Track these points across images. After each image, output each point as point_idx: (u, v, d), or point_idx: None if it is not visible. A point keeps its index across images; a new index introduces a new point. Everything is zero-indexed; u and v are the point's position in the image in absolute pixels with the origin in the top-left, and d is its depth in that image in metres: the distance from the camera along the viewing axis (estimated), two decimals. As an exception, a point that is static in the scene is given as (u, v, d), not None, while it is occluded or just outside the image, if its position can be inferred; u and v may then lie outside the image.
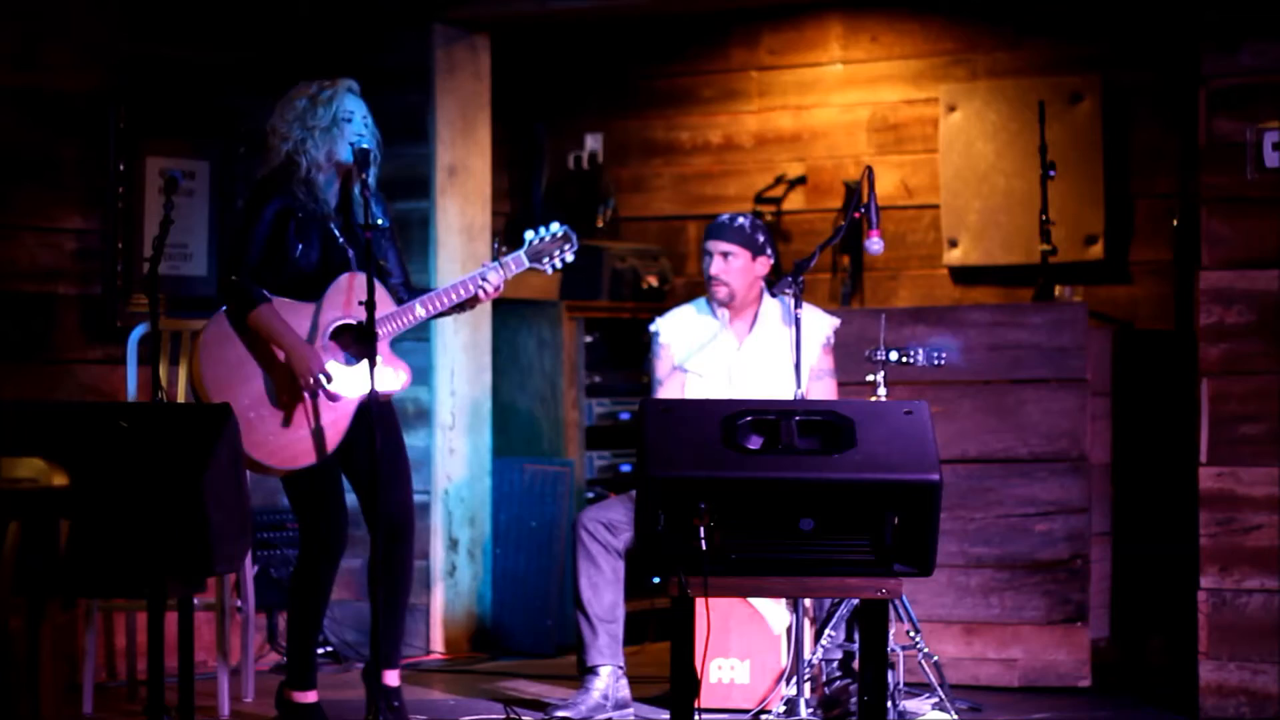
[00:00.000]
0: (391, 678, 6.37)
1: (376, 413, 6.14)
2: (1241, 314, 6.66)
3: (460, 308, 6.43)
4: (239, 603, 7.04)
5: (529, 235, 6.48)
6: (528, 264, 6.45)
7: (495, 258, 6.44)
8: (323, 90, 6.34)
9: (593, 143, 9.41)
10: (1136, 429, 7.78)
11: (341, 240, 6.32)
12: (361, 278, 6.20)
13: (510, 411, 8.46)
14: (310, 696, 6.37)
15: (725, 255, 6.86)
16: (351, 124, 6.30)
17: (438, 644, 8.11)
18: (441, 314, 6.41)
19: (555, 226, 6.49)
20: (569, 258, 6.51)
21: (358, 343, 6.26)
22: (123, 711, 6.90)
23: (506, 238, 9.19)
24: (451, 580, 8.15)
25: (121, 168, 7.46)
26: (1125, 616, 7.66)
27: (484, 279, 6.35)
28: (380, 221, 6.35)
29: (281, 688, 6.40)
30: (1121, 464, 7.67)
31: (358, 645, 7.78)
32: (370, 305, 6.00)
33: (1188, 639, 6.79)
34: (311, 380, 6.17)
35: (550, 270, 6.51)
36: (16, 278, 7.23)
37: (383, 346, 6.25)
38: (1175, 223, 8.07)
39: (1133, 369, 7.85)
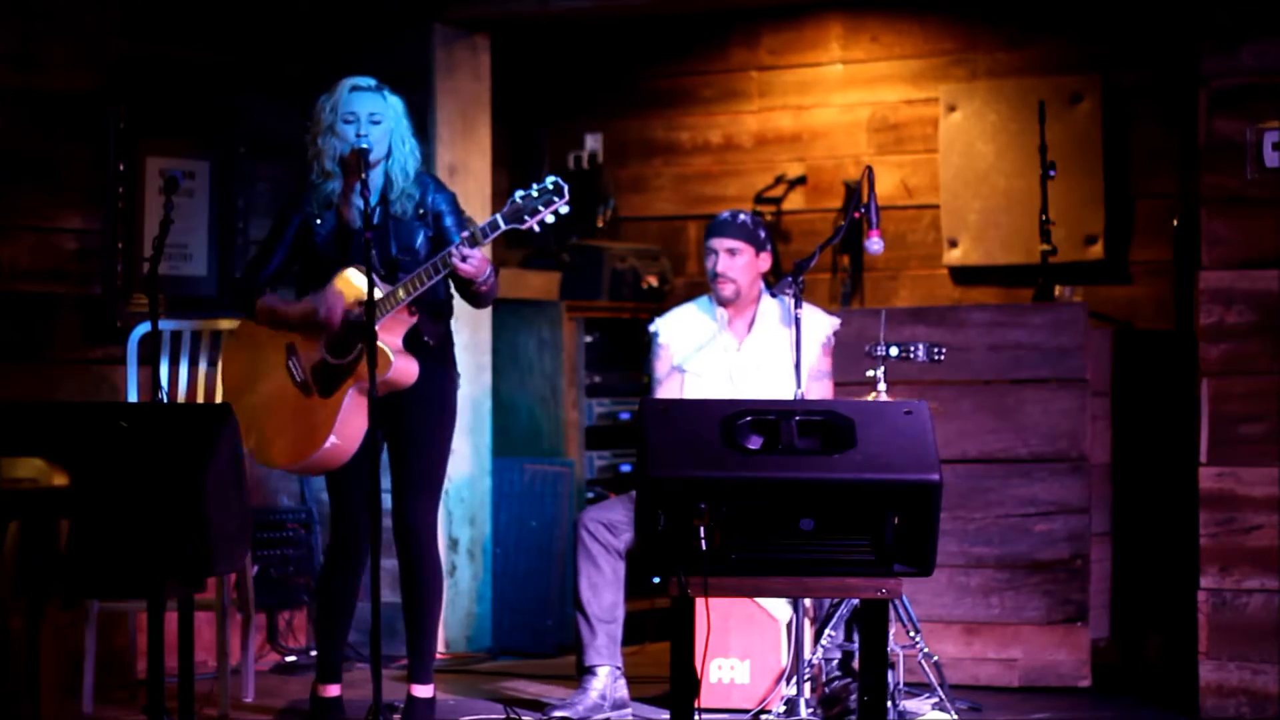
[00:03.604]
0: (419, 690, 6.44)
1: (404, 410, 6.23)
2: (1241, 314, 6.66)
3: (461, 285, 6.23)
4: (239, 603, 7.04)
5: (516, 193, 6.13)
6: (504, 226, 6.10)
7: (469, 226, 6.17)
8: (329, 93, 6.32)
9: (593, 143, 9.41)
10: (1136, 429, 7.78)
11: (364, 237, 6.26)
12: (356, 271, 6.20)
13: (510, 411, 8.46)
14: (329, 690, 6.50)
15: (732, 252, 6.86)
16: (353, 125, 6.25)
17: (438, 644, 8.10)
18: (466, 292, 6.25)
19: (548, 180, 6.11)
20: (563, 210, 6.10)
21: (347, 335, 6.22)
22: (123, 711, 6.90)
23: (508, 238, 9.19)
24: (451, 580, 8.15)
25: (121, 168, 7.46)
26: (1125, 616, 7.66)
27: (455, 248, 6.09)
28: (399, 209, 6.30)
29: (315, 679, 6.56)
30: (1121, 464, 7.68)
31: (358, 645, 7.78)
32: (370, 305, 5.98)
33: (1188, 639, 6.79)
34: (326, 313, 6.17)
35: (537, 228, 6.10)
36: (16, 278, 7.23)
37: (385, 335, 6.14)
38: (1175, 223, 8.07)
39: (1133, 369, 7.85)
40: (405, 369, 6.20)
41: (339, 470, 6.34)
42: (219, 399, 6.73)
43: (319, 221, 6.32)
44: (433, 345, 6.33)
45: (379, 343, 6.07)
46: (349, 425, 6.22)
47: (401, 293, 6.13)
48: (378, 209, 6.23)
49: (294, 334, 6.31)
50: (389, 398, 6.19)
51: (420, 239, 6.30)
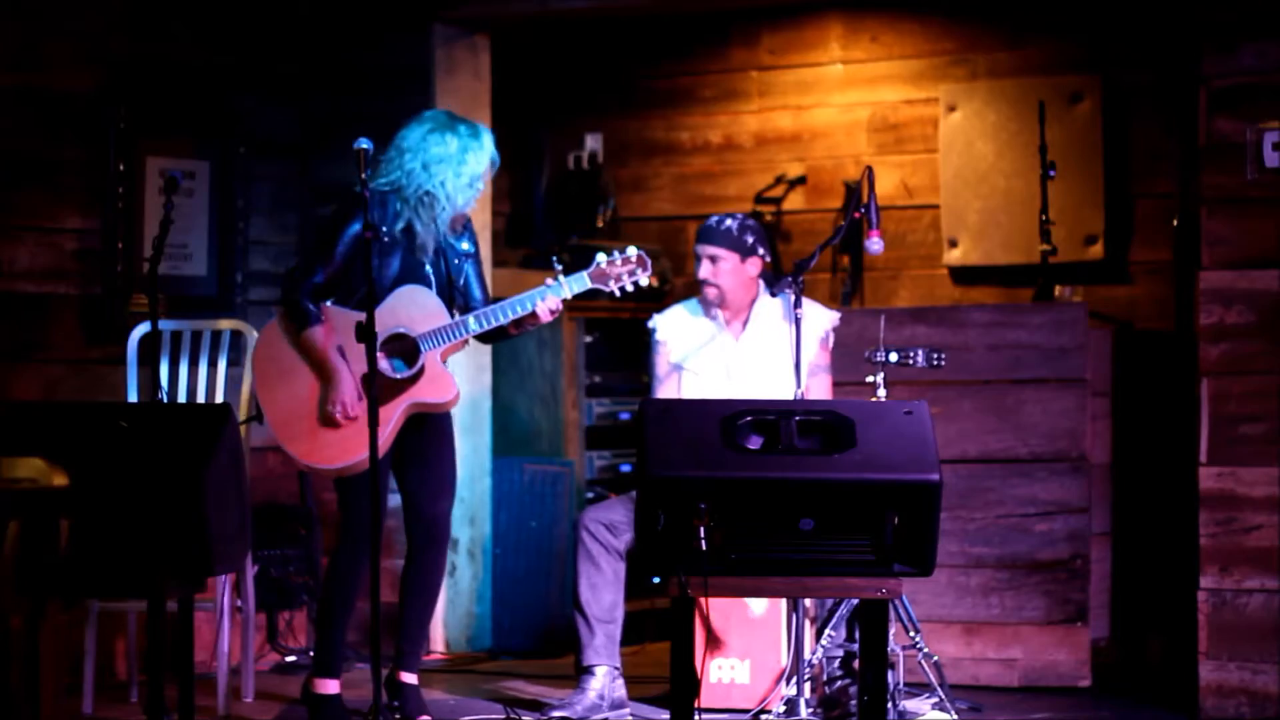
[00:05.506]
0: (412, 677, 6.55)
1: (428, 423, 6.40)
2: (1241, 314, 6.66)
3: (518, 325, 6.43)
4: (239, 603, 7.04)
5: (599, 256, 6.45)
6: (589, 285, 6.42)
7: (557, 276, 6.41)
8: (473, 149, 6.39)
9: (593, 143, 9.41)
10: (1136, 429, 7.78)
11: (425, 262, 6.39)
12: (420, 290, 6.32)
13: (510, 411, 8.46)
14: (329, 686, 6.50)
15: (713, 259, 6.87)
16: (475, 190, 6.41)
17: (438, 644, 8.11)
18: (495, 331, 6.44)
19: (631, 250, 6.46)
20: (643, 281, 6.47)
21: (405, 351, 6.34)
22: (123, 711, 6.90)
23: (508, 238, 9.21)
24: (451, 580, 8.15)
25: (121, 168, 7.46)
26: (1125, 616, 7.66)
27: (541, 299, 6.35)
28: (462, 245, 6.50)
29: (307, 676, 6.54)
30: (1121, 464, 7.68)
31: (357, 645, 7.78)
32: (370, 308, 5.99)
33: (1188, 639, 6.79)
34: (334, 410, 6.26)
35: (619, 294, 6.46)
36: (16, 278, 7.23)
37: (432, 359, 6.31)
38: (1175, 223, 8.07)
39: (1133, 369, 7.85)
40: (458, 395, 6.46)
41: (369, 471, 6.38)
42: (246, 388, 6.72)
43: (387, 240, 6.38)
44: None
45: (445, 368, 6.35)
46: (395, 435, 6.34)
47: (473, 323, 6.34)
48: (434, 231, 6.39)
49: (344, 336, 6.34)
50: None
51: (465, 273, 6.52)
